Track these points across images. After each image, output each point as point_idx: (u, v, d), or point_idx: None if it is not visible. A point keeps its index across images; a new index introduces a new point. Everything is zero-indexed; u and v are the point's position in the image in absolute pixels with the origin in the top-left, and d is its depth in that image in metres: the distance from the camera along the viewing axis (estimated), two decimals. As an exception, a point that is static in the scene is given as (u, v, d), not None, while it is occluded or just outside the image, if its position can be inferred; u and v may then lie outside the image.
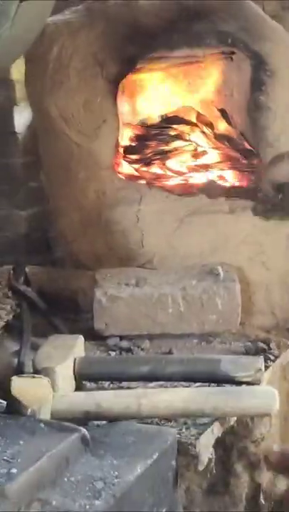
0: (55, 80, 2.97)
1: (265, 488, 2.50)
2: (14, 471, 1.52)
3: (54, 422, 1.77)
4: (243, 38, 2.94)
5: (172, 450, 1.92)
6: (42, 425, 1.72)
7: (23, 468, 1.53)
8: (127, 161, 3.12)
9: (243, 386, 2.18)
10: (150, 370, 2.27)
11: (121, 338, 2.73)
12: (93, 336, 2.68)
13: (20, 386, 1.90)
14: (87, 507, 1.54)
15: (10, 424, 1.71)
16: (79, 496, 1.58)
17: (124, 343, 2.71)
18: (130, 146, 3.18)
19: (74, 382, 2.24)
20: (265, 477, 2.51)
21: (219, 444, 2.26)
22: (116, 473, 1.69)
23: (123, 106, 3.11)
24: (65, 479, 1.61)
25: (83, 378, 2.29)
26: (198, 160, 3.20)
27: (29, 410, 1.83)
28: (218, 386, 2.20)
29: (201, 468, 2.09)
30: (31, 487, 1.51)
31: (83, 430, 1.73)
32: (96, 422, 2.05)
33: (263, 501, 2.50)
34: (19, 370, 2.35)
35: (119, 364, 2.36)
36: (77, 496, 1.57)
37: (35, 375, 2.02)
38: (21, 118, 3.50)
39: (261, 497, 2.50)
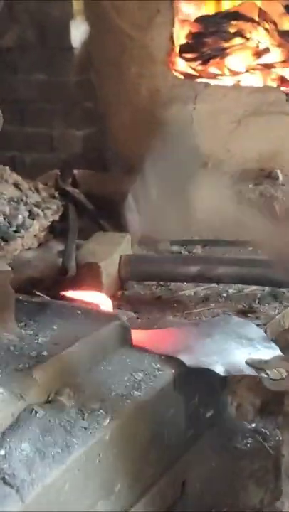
0: None
1: None
2: (45, 353, 1.40)
3: (92, 309, 1.65)
4: None
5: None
6: (78, 312, 1.59)
7: (55, 352, 1.41)
8: (183, 58, 2.93)
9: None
10: (200, 270, 2.13)
11: (172, 243, 2.59)
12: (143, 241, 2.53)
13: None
14: (124, 397, 1.42)
15: (45, 310, 1.59)
16: (116, 385, 1.46)
17: (175, 249, 2.57)
18: (186, 43, 2.98)
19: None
20: None
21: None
22: (158, 365, 1.57)
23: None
24: (102, 368, 1.48)
25: (129, 277, 2.17)
26: (259, 59, 2.98)
27: None
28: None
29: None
30: (62, 372, 1.39)
31: (123, 319, 1.60)
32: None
33: None
34: (63, 270, 2.24)
35: (167, 263, 2.23)
36: (114, 385, 1.45)
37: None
38: (78, 33, 3.30)
39: None
